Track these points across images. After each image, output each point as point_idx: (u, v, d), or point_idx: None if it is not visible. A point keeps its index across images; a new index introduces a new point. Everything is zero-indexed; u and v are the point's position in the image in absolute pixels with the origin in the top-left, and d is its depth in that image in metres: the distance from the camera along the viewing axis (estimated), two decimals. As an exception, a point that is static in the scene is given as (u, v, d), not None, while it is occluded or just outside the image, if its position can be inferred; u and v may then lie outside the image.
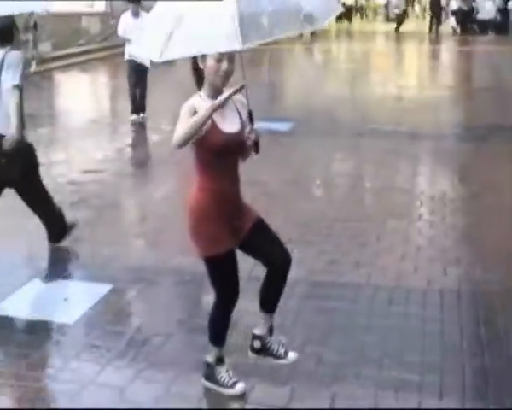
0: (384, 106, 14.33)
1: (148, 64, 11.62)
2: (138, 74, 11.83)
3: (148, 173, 9.62)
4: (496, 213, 7.26)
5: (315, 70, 22.05)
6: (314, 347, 4.48)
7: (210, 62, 3.56)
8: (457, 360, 4.35)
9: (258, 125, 3.66)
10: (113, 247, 6.29)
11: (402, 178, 8.77)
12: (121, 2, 17.38)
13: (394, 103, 14.65)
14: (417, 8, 53.42)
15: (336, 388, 4.02)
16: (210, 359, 3.99)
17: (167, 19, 3.43)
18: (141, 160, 10.35)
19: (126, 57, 11.83)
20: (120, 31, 11.75)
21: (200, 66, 3.62)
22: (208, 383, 4.00)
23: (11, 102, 5.65)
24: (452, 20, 34.65)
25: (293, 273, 3.99)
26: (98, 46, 24.40)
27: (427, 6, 40.81)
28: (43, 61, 19.59)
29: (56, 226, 6.23)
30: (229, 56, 3.55)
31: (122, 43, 12.48)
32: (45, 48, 21.39)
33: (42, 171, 6.09)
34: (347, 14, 43.50)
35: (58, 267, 5.94)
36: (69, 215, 6.37)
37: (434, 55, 27.31)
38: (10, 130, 5.62)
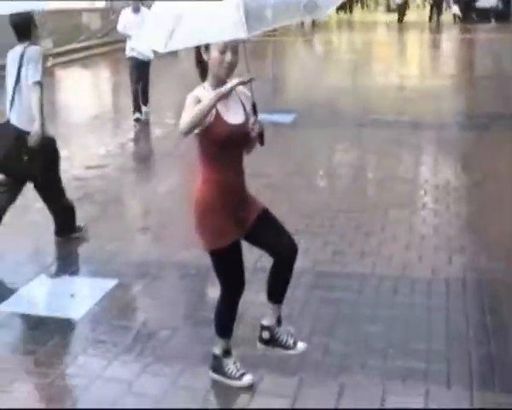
0: (386, 96, 14.33)
1: (151, 56, 11.46)
2: (140, 69, 11.61)
3: (152, 168, 9.63)
4: (499, 201, 7.27)
5: (316, 61, 22.02)
6: (321, 337, 4.49)
7: (214, 54, 3.55)
8: (463, 348, 4.36)
9: (260, 117, 3.65)
10: (118, 242, 6.30)
11: (405, 168, 8.76)
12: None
13: (396, 93, 14.64)
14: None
15: (344, 378, 4.04)
16: (217, 351, 3.99)
17: (167, 18, 3.41)
18: (144, 154, 10.36)
19: (127, 54, 11.73)
20: (120, 27, 11.65)
21: (204, 57, 3.61)
22: (216, 376, 4.01)
23: (33, 98, 5.74)
24: (455, 8, 34.63)
25: (299, 264, 4.00)
26: (99, 42, 24.38)
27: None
28: (45, 57, 19.56)
29: (66, 220, 6.26)
30: (233, 48, 3.54)
31: (123, 39, 12.40)
32: (46, 45, 21.37)
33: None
34: (349, 4, 43.47)
35: (64, 263, 5.97)
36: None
37: (436, 45, 27.26)
38: (34, 127, 5.70)
